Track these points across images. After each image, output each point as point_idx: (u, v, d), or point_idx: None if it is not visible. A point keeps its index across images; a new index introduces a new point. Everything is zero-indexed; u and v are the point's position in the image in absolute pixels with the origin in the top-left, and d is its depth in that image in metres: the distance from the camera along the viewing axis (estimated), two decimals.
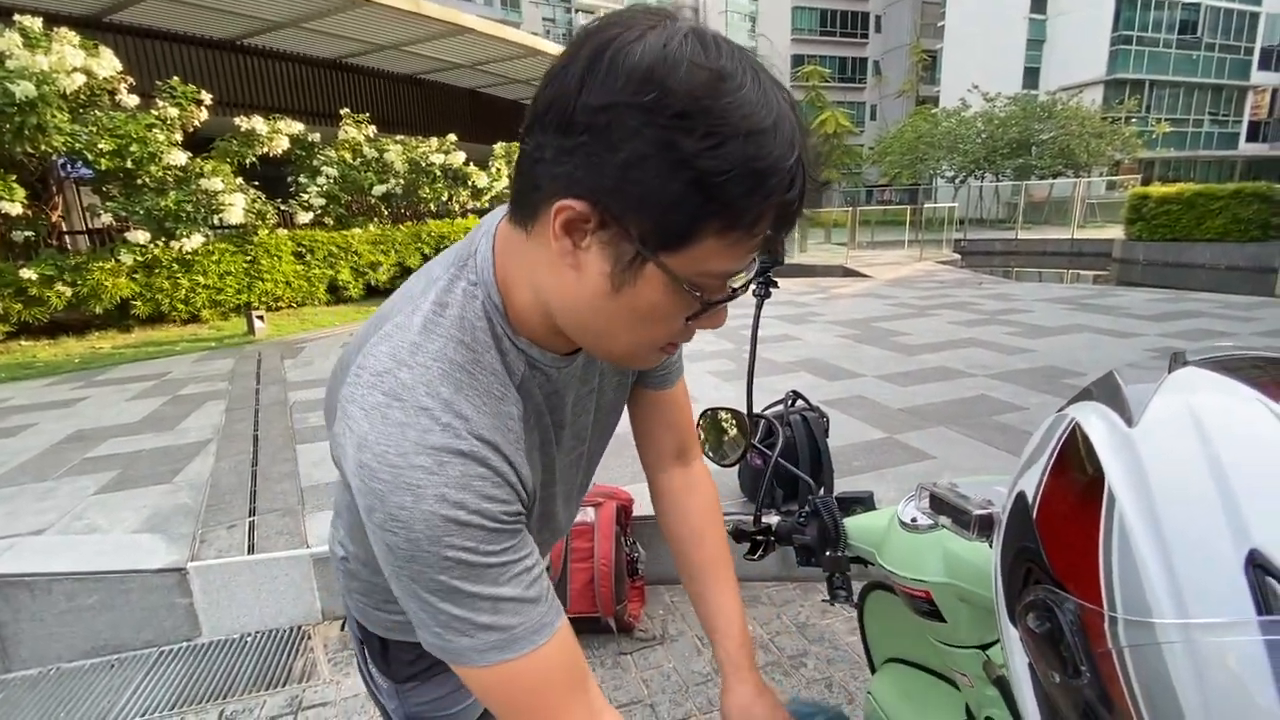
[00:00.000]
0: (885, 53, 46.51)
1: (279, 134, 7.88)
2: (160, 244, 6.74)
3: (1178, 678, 0.30)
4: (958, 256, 14.07)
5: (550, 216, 0.45)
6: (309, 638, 2.26)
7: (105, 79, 6.45)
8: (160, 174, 6.73)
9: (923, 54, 40.21)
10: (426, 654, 0.55)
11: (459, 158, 10.10)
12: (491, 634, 0.49)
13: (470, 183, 10.57)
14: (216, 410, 4.10)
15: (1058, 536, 0.39)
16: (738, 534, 0.97)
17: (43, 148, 5.94)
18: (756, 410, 1.02)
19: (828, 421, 2.48)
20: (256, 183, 7.60)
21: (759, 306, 0.97)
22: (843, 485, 2.60)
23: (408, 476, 0.46)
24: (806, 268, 12.47)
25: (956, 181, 28.02)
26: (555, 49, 14.15)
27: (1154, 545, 0.32)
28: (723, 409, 1.10)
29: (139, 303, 6.93)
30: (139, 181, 6.66)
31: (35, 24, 5.93)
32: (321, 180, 8.74)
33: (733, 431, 1.03)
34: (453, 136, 10.14)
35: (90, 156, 6.23)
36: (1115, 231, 15.29)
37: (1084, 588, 0.35)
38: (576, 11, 76.96)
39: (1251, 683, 0.28)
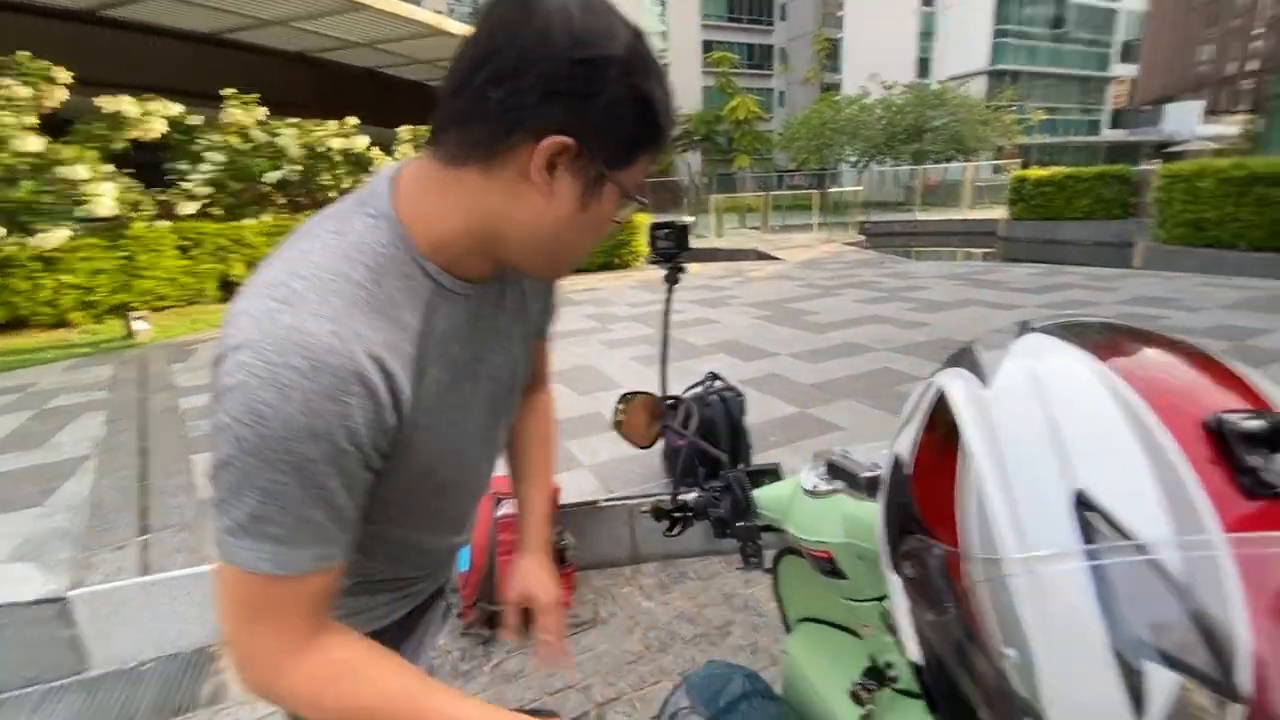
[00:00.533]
0: (790, 40, 47.88)
1: (152, 116, 7.15)
2: (14, 241, 5.98)
3: (1020, 604, 0.34)
4: (863, 238, 14.82)
5: (527, 154, 0.52)
6: (216, 658, 2.12)
7: None
8: (11, 161, 5.96)
9: (825, 42, 41.66)
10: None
11: (361, 142, 9.57)
12: (278, 548, 0.51)
13: (373, 167, 10.04)
14: (95, 422, 3.72)
15: (927, 491, 0.43)
16: (657, 512, 0.99)
17: None
18: (679, 393, 1.05)
19: (744, 400, 2.57)
20: (131, 170, 6.88)
21: (670, 292, 1.00)
22: (761, 459, 2.71)
23: (281, 376, 0.47)
24: (724, 252, 12.76)
25: (859, 166, 29.46)
26: (461, 29, 13.60)
27: (1000, 492, 0.37)
28: (639, 393, 1.12)
29: None
30: None
31: None
32: (206, 167, 8.03)
33: (649, 415, 1.06)
34: (353, 120, 9.58)
35: None
36: (1000, 211, 16.60)
37: (947, 534, 0.39)
38: None
39: (1077, 602, 0.33)
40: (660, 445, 2.84)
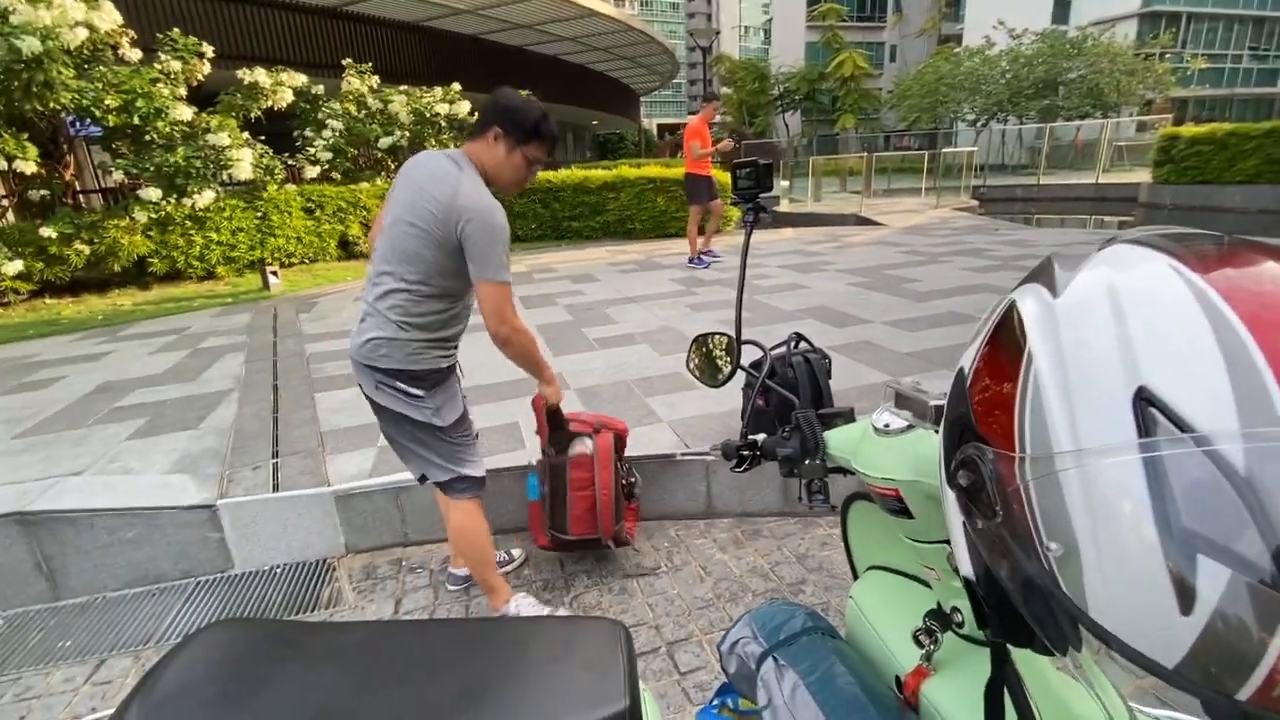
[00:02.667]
0: None
1: (282, 86, 7.77)
2: (172, 201, 6.77)
3: (1070, 500, 0.34)
4: (975, 203, 13.71)
5: (493, 134, 1.70)
6: (334, 569, 2.39)
7: (107, 33, 6.37)
8: (168, 130, 6.71)
9: None
10: (431, 374, 1.75)
11: (464, 107, 9.92)
12: (505, 271, 1.65)
13: None
14: (236, 362, 4.21)
15: (985, 400, 0.42)
16: (726, 450, 1.02)
17: (51, 105, 5.94)
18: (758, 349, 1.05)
19: (830, 362, 2.50)
20: (263, 137, 7.55)
21: (749, 232, 1.00)
22: None
23: (496, 208, 1.64)
24: (819, 217, 12.24)
25: (978, 125, 27.02)
26: None
27: (1058, 392, 0.36)
28: (714, 333, 1.14)
29: (156, 260, 7.03)
30: (147, 138, 6.65)
31: None
32: (327, 134, 8.65)
33: (722, 356, 1.07)
34: (457, 86, 9.94)
35: (98, 113, 6.22)
36: (1143, 175, 14.76)
37: (1002, 439, 0.39)
38: None
39: (1128, 495, 0.32)
40: (739, 403, 2.84)
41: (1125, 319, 0.36)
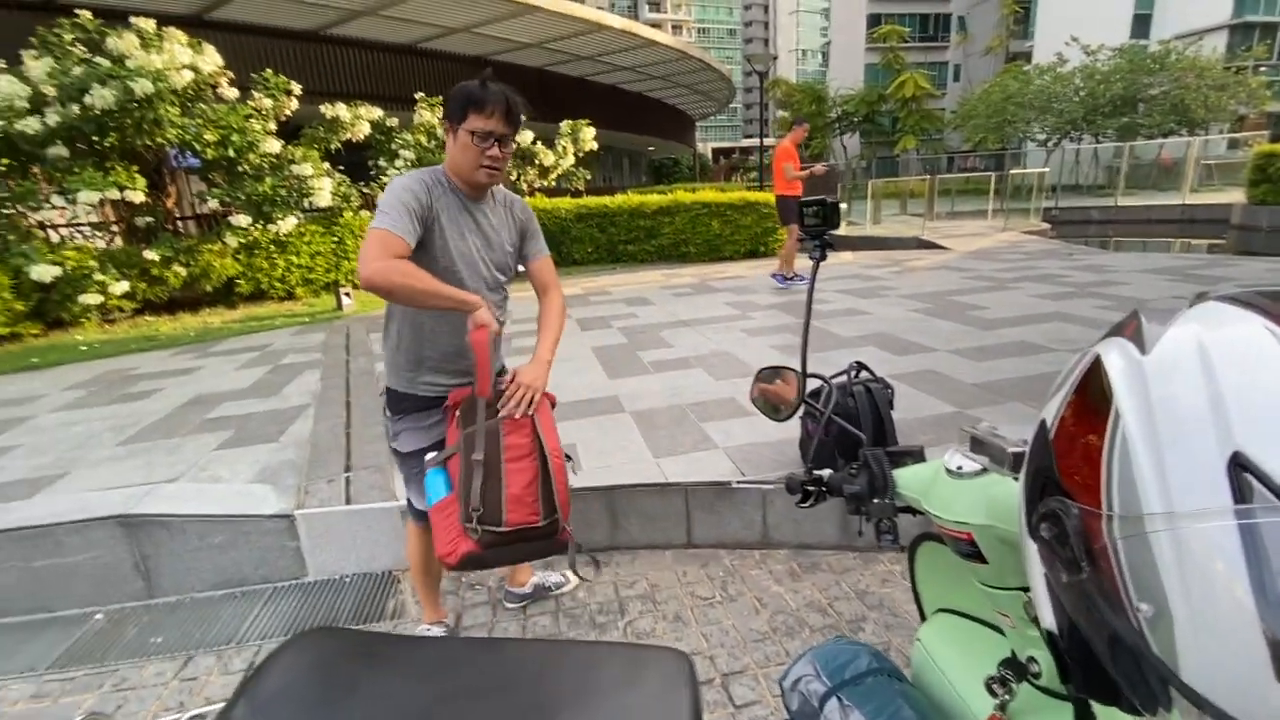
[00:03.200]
0: (971, 7, 43.29)
1: (360, 120, 8.29)
2: (259, 227, 7.30)
3: (1162, 562, 0.34)
4: (1047, 226, 13.13)
5: (447, 131, 1.62)
6: (398, 581, 2.49)
7: (209, 74, 6.99)
8: (258, 161, 7.26)
9: (1014, 6, 37.14)
10: (405, 398, 1.76)
11: (527, 137, 10.31)
12: (380, 216, 1.50)
13: (537, 161, 10.78)
14: (313, 378, 4.46)
15: (1069, 454, 0.43)
16: (790, 485, 1.02)
17: (158, 140, 6.53)
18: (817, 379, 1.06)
19: (893, 392, 2.45)
20: (341, 167, 8.07)
21: (815, 268, 1.02)
22: None
23: (398, 181, 1.58)
24: (879, 240, 12.01)
25: (1049, 145, 25.96)
26: (619, 22, 14.04)
27: (1148, 451, 0.36)
28: (780, 367, 1.15)
29: (242, 281, 7.56)
30: (240, 169, 7.22)
31: (149, 25, 6.48)
32: (399, 163, 9.16)
33: (787, 390, 1.08)
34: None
35: (198, 147, 6.80)
36: (1236, 195, 13.81)
37: (1088, 495, 0.39)
38: None
39: (1225, 561, 0.32)
40: (798, 432, 2.80)
41: (1218, 379, 0.36)
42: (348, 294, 7.23)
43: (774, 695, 1.77)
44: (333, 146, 8.13)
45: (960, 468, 0.77)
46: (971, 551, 0.76)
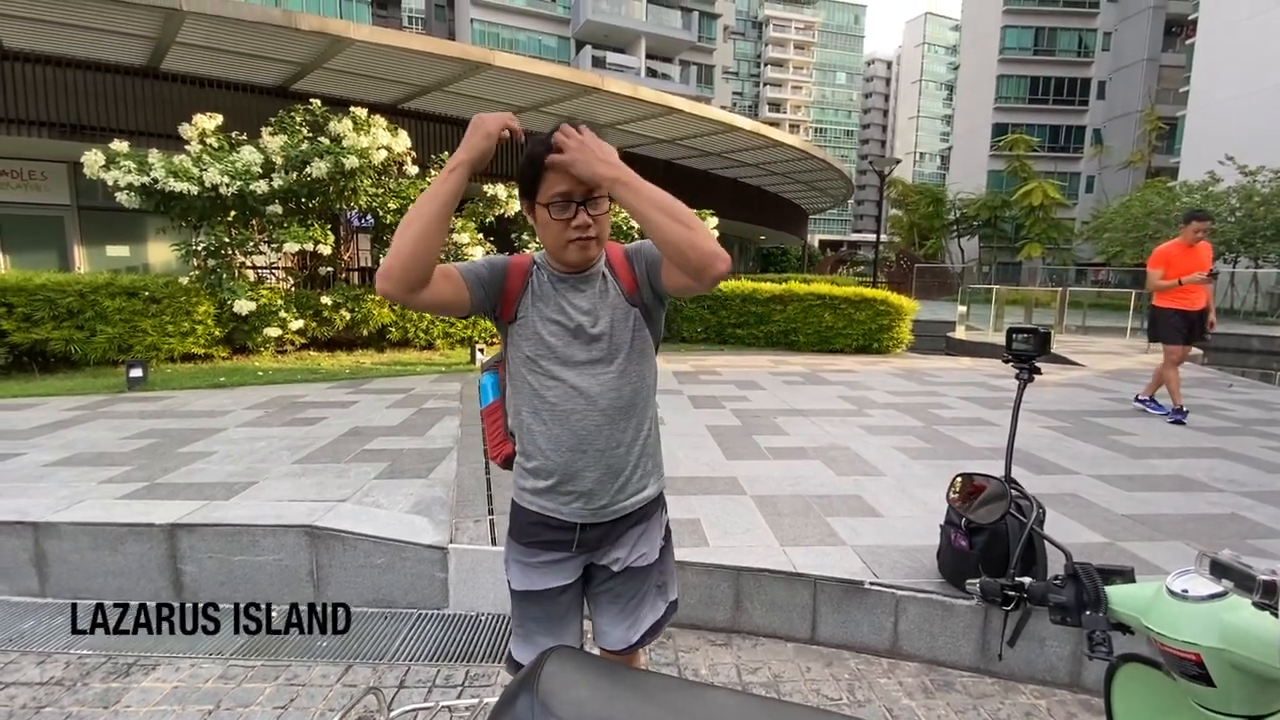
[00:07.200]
0: (1109, 120, 42.01)
1: (513, 199, 9.29)
2: None
3: None
4: (1199, 352, 12.01)
5: (527, 206, 1.33)
6: None
7: (399, 153, 8.18)
8: None
9: (1158, 122, 35.62)
10: (520, 510, 1.43)
11: None
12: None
13: None
14: (453, 424, 4.89)
15: None
16: (987, 589, 1.06)
17: (353, 205, 7.66)
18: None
19: (1044, 512, 2.39)
20: (492, 238, 9.00)
21: (1021, 389, 1.13)
22: None
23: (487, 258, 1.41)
24: (1001, 348, 11.47)
25: None
26: (749, 124, 14.95)
27: None
28: (984, 475, 1.23)
29: (393, 329, 8.46)
30: None
31: (362, 113, 7.76)
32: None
33: (989, 495, 1.16)
34: None
35: (380, 213, 7.88)
36: None
37: None
38: (765, 85, 79.95)
39: None
40: (924, 536, 2.75)
41: None
42: (481, 349, 7.88)
43: None
44: (488, 220, 9.12)
45: (1186, 590, 0.82)
46: (1197, 674, 0.80)
